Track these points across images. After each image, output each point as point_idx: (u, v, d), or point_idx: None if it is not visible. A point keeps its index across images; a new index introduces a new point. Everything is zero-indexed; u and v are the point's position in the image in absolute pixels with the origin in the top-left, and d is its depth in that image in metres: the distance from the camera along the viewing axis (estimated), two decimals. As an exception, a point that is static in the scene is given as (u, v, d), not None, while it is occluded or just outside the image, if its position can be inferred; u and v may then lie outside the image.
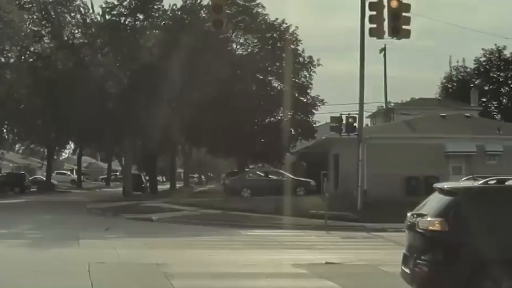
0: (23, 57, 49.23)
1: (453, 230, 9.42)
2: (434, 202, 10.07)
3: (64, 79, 43.93)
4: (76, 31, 49.15)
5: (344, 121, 32.20)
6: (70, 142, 67.61)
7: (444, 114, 41.31)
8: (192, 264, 14.90)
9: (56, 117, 46.99)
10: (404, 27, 23.34)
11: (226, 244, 19.80)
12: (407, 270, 10.13)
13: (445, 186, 10.25)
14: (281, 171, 46.39)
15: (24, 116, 50.92)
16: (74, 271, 13.21)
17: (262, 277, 13.16)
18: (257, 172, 47.19)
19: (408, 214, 10.41)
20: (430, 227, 9.56)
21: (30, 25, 48.38)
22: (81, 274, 12.72)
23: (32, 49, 48.64)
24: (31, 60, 49.08)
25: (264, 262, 15.42)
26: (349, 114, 32.33)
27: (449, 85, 66.24)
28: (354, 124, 31.61)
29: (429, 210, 9.91)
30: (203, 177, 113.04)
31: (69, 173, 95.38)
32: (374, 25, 24.67)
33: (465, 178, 11.02)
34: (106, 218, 30.42)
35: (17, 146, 73.81)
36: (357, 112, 31.36)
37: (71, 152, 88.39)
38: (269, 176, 43.75)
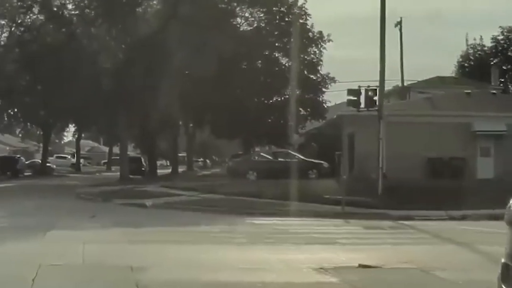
0: (10, 30, 46.65)
1: None
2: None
3: (54, 53, 41.48)
4: (67, 1, 46.19)
5: (363, 94, 28.20)
6: (69, 125, 65.59)
7: (469, 91, 38.59)
8: (178, 266, 11.11)
9: (47, 94, 45.13)
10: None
11: (226, 236, 16.26)
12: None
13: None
14: (291, 152, 43.56)
15: (15, 93, 48.57)
16: (15, 276, 9.81)
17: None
18: (264, 154, 44.74)
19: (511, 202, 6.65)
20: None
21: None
22: (22, 281, 9.32)
23: (19, 21, 46.15)
24: (18, 33, 46.68)
25: (274, 263, 11.55)
26: (368, 86, 28.50)
27: (466, 64, 64.05)
28: (374, 98, 27.96)
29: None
30: (208, 161, 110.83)
31: (69, 157, 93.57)
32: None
33: None
34: (95, 203, 27.83)
35: (17, 130, 72.13)
36: (377, 86, 27.93)
37: (72, 135, 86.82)
38: (278, 158, 41.12)
